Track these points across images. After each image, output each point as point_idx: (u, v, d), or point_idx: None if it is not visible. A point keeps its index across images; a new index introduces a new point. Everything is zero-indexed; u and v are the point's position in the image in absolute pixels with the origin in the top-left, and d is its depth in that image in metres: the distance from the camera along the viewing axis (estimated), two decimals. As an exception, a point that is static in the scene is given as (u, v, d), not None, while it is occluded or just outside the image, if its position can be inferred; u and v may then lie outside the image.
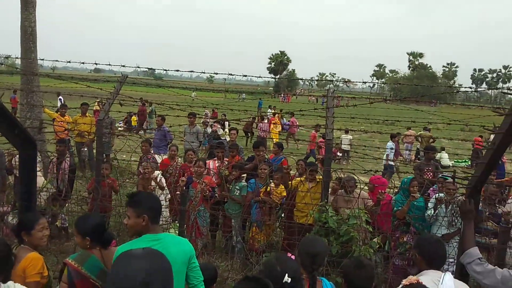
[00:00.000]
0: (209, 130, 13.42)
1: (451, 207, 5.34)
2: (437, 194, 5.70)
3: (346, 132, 16.53)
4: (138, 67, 5.62)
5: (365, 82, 5.56)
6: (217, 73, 5.40)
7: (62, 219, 6.75)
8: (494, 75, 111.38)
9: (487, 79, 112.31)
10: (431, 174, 6.90)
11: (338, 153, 16.26)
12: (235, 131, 9.50)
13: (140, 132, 18.24)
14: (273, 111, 22.27)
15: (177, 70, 5.75)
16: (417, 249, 2.94)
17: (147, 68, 6.28)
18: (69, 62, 5.81)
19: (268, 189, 6.20)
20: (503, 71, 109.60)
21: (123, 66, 5.47)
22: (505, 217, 5.58)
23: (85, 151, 10.33)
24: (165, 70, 5.70)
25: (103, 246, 3.07)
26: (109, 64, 5.56)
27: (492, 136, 3.75)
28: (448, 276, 2.77)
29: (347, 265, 2.89)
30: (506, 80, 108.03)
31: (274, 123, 18.57)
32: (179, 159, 7.90)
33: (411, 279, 2.56)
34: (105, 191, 6.24)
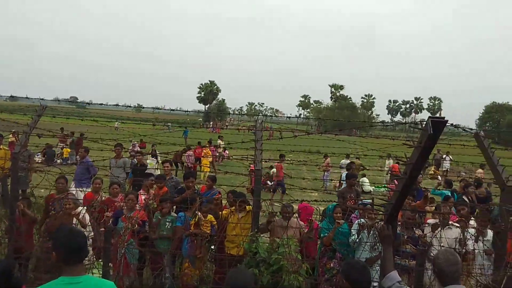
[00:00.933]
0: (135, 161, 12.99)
1: (373, 231, 5.65)
2: (359, 220, 6.00)
3: (347, 157, 17.16)
4: (58, 100, 5.38)
5: (296, 116, 5.80)
6: (143, 107, 5.33)
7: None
8: (407, 105, 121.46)
9: (401, 110, 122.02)
10: (352, 200, 7.27)
11: (268, 182, 16.58)
12: (168, 164, 9.28)
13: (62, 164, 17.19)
14: (220, 142, 22.09)
15: (101, 104, 5.59)
16: (344, 275, 3.05)
17: (68, 99, 6.02)
18: (-19, 92, 5.39)
19: (196, 220, 6.12)
20: (415, 102, 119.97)
21: (42, 99, 5.21)
22: (421, 239, 6.00)
23: (-1, 186, 9.47)
24: (87, 103, 5.52)
25: None
26: (26, 97, 5.26)
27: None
28: None
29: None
30: (418, 110, 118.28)
31: (204, 155, 18.51)
32: (103, 193, 7.53)
33: None
34: (25, 228, 5.75)
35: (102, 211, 6.42)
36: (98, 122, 6.75)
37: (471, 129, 4.08)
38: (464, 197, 8.94)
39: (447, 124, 2.96)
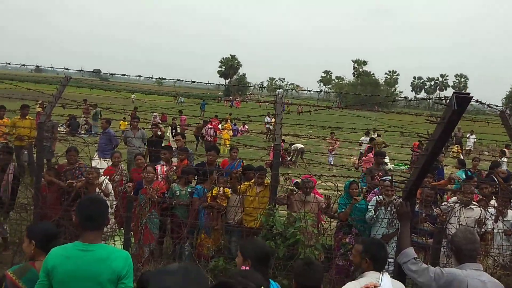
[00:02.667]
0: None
1: (390, 208, 5.64)
2: (376, 197, 5.99)
3: (367, 134, 16.97)
4: (82, 70, 5.43)
5: (317, 91, 5.74)
6: (164, 79, 5.34)
7: (1, 228, 6.36)
8: (432, 83, 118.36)
9: (425, 87, 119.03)
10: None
11: (288, 158, 16.61)
12: (181, 137, 9.35)
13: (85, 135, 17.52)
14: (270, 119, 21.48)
15: (124, 75, 5.61)
16: (368, 253, 3.05)
17: (92, 71, 6.10)
18: (9, 64, 5.51)
19: (214, 194, 6.21)
20: (440, 79, 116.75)
21: (66, 69, 5.27)
22: (440, 218, 5.96)
23: (25, 155, 9.77)
24: (111, 74, 5.54)
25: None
26: (52, 67, 5.34)
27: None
28: (386, 277, 2.95)
29: (297, 265, 2.99)
30: (443, 88, 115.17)
31: (224, 129, 18.59)
32: (123, 165, 7.68)
33: (369, 284, 2.71)
34: (53, 196, 5.94)
35: (120, 182, 6.57)
36: (121, 94, 6.82)
37: (496, 105, 3.96)
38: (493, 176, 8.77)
39: (472, 101, 2.89)
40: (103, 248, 2.68)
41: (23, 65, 5.89)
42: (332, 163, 14.52)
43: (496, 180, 8.20)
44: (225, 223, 6.13)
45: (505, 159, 13.10)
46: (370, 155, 14.89)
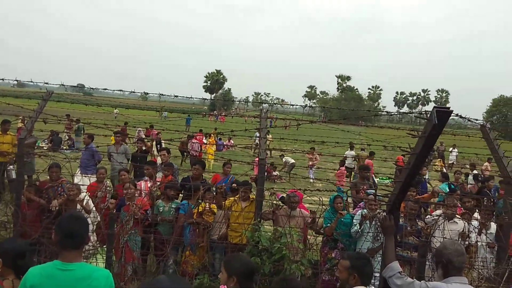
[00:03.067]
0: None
1: (375, 222, 5.65)
2: (361, 210, 6.01)
3: (351, 148, 17.03)
4: (63, 84, 5.36)
5: (302, 106, 5.77)
6: (147, 93, 5.30)
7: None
8: (414, 97, 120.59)
9: (408, 102, 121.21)
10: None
11: (274, 172, 16.58)
12: (165, 152, 9.22)
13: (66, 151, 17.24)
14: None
15: (105, 89, 5.54)
16: (355, 269, 3.04)
17: (75, 85, 6.00)
18: (-13, 78, 5.41)
19: (200, 210, 6.14)
20: (422, 94, 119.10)
21: (46, 83, 5.19)
22: (424, 231, 5.99)
23: (12, 172, 9.53)
24: (92, 88, 5.46)
25: (17, 275, 2.80)
26: (31, 82, 5.25)
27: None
28: None
29: (275, 281, 2.97)
30: (425, 102, 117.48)
31: (209, 143, 18.53)
32: (108, 181, 7.55)
33: None
34: (32, 214, 5.79)
35: (105, 199, 6.45)
36: (103, 109, 6.75)
37: (476, 119, 4.04)
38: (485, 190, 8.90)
39: (452, 115, 2.93)
40: (83, 267, 2.60)
41: (2, 79, 5.79)
42: (312, 177, 14.56)
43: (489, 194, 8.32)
44: (209, 240, 6.05)
45: (476, 171, 13.38)
46: (342, 168, 15.05)
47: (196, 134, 17.87)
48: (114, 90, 5.87)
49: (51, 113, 7.14)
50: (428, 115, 2.85)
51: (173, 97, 5.19)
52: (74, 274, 2.53)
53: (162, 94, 5.21)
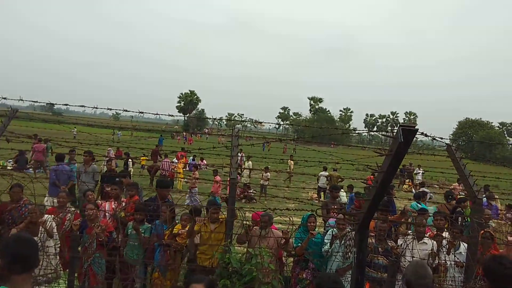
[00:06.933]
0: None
1: (344, 240, 5.64)
2: (332, 230, 5.99)
3: (324, 169, 17.19)
4: (36, 101, 5.16)
5: (275, 125, 5.77)
6: (127, 110, 5.17)
7: None
8: (384, 120, 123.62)
9: (377, 124, 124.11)
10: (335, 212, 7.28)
11: (250, 192, 16.54)
12: (126, 175, 8.95)
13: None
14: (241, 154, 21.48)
15: (82, 106, 5.36)
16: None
17: (46, 103, 5.79)
18: None
19: (174, 231, 5.97)
20: (391, 116, 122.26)
21: (21, 99, 4.99)
22: (394, 251, 6.02)
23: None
24: (66, 105, 5.26)
25: None
26: (5, 98, 5.04)
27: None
28: None
29: None
30: (394, 124, 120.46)
31: (180, 162, 18.39)
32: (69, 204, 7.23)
33: None
34: None
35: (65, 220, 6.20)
36: (67, 127, 6.53)
37: (442, 138, 4.14)
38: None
39: (418, 133, 2.98)
40: None
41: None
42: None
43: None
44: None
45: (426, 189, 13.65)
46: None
47: (179, 153, 18.00)
48: (85, 109, 5.69)
49: (18, 132, 6.89)
50: (395, 133, 2.88)
51: (154, 114, 5.07)
52: None
53: (141, 112, 5.09)
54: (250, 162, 18.90)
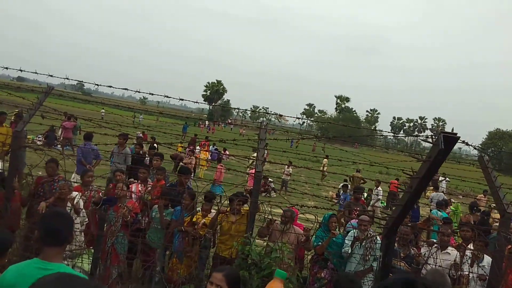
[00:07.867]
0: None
1: (365, 243, 5.57)
2: (353, 231, 5.93)
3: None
4: (67, 78, 5.28)
5: (298, 118, 5.72)
6: (152, 94, 5.23)
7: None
8: (411, 124, 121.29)
9: (404, 127, 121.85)
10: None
11: (271, 186, 16.55)
12: (158, 158, 9.02)
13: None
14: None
15: (110, 86, 5.47)
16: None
17: (77, 81, 5.93)
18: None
19: (194, 219, 6.03)
20: (419, 121, 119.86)
21: (51, 75, 5.13)
22: (416, 258, 5.92)
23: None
24: (96, 84, 5.36)
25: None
26: (35, 73, 5.17)
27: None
28: None
29: None
30: (422, 129, 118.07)
31: (204, 150, 18.55)
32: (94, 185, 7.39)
33: None
34: (14, 207, 5.68)
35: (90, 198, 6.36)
36: (98, 107, 6.65)
37: (479, 145, 4.03)
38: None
39: (458, 141, 2.91)
40: (62, 269, 2.45)
41: (6, 67, 5.72)
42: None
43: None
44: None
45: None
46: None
47: (202, 141, 18.11)
48: (114, 91, 5.80)
49: (49, 109, 7.07)
50: (434, 139, 2.82)
51: (177, 100, 5.13)
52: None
53: (167, 96, 5.14)
54: (290, 169, 17.40)
